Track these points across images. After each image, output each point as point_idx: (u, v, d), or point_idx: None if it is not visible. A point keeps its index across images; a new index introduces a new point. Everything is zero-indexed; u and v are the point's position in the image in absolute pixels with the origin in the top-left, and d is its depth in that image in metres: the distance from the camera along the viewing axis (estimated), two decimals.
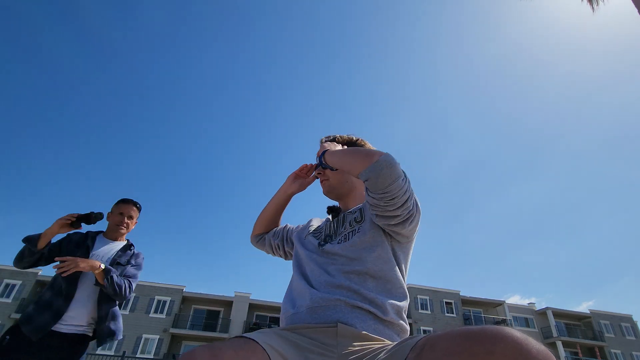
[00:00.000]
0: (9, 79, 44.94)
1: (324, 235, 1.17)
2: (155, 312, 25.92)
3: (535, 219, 65.31)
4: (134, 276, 2.20)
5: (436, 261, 56.61)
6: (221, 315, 27.85)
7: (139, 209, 2.39)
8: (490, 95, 74.79)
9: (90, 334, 2.08)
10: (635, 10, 7.43)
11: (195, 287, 46.02)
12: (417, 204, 1.03)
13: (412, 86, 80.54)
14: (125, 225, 2.29)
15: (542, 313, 31.52)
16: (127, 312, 25.27)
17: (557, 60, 79.98)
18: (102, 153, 49.66)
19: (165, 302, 26.47)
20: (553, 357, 0.54)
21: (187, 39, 64.04)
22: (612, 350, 30.02)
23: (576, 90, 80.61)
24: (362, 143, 1.35)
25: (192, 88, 60.60)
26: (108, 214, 2.31)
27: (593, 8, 8.82)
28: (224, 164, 60.72)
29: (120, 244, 2.28)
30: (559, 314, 31.83)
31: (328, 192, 1.30)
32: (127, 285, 2.10)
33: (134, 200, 2.37)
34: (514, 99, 73.98)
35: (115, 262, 2.15)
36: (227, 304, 28.29)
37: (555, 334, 29.61)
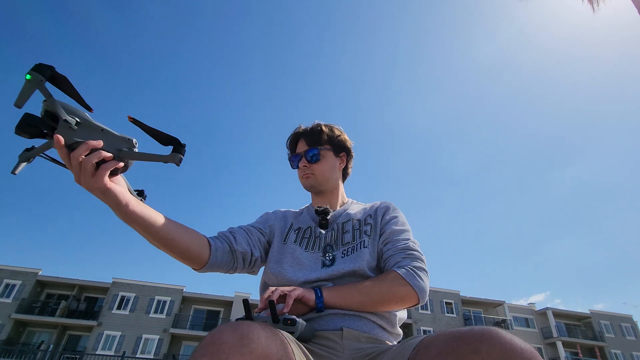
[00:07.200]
0: (7, 77, 44.99)
1: (324, 245, 1.08)
2: (155, 312, 25.90)
3: (543, 219, 65.35)
4: None
5: (436, 261, 56.63)
6: (221, 316, 27.84)
7: None
8: (485, 95, 74.78)
9: None
10: (636, 10, 7.42)
11: (195, 287, 46.04)
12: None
13: (421, 81, 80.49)
14: None
15: (542, 313, 31.49)
16: (127, 312, 25.32)
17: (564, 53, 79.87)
18: None
19: (165, 302, 26.45)
20: (539, 356, 0.55)
21: (185, 37, 63.98)
22: (612, 351, 30.00)
23: (579, 91, 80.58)
24: (344, 137, 1.24)
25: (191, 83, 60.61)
26: None
27: (593, 8, 8.82)
28: (225, 163, 60.76)
29: None
30: (559, 314, 31.81)
31: (311, 187, 1.19)
32: None
33: None
34: (512, 99, 73.98)
35: None
36: (227, 304, 28.28)
37: (555, 334, 29.59)
